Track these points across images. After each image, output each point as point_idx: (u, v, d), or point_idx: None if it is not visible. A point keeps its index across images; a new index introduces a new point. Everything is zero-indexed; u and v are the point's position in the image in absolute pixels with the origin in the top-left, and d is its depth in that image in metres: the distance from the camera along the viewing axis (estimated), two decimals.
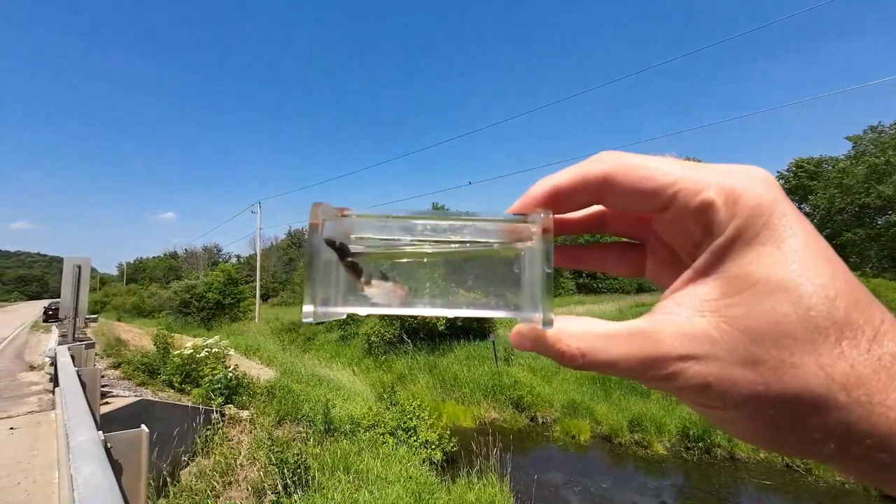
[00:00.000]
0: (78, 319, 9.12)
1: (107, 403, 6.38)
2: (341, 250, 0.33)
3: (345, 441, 8.21)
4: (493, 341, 15.52)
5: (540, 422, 12.25)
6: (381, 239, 0.34)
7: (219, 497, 5.89)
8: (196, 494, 5.78)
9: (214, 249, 70.18)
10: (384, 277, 0.33)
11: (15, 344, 14.74)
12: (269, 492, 6.11)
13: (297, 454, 6.91)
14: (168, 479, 5.83)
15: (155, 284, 61.30)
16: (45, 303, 37.75)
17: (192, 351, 10.54)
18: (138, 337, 19.33)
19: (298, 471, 6.49)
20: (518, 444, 10.17)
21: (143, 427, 2.90)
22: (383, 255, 0.34)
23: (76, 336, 8.86)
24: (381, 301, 0.34)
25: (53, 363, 6.62)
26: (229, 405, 9.05)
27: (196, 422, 7.25)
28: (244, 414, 8.86)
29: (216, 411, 8.11)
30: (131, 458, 2.76)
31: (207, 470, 6.42)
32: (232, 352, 11.80)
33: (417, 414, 9.80)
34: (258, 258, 38.88)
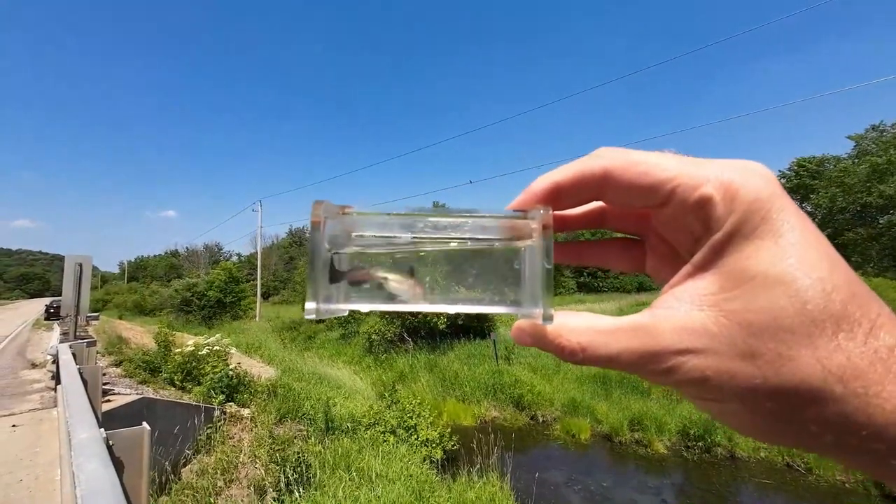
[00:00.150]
0: (79, 317, 9.15)
1: (108, 401, 6.39)
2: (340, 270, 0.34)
3: (346, 439, 8.23)
4: (494, 340, 15.52)
5: (540, 420, 12.26)
6: (383, 236, 0.34)
7: (220, 495, 5.90)
8: (197, 492, 5.79)
9: (215, 248, 70.27)
10: (392, 273, 0.34)
11: (17, 342, 14.76)
12: (270, 489, 6.13)
13: (298, 452, 6.92)
14: (170, 477, 5.85)
15: (156, 283, 61.53)
16: (47, 301, 37.79)
17: (193, 349, 10.55)
18: (139, 335, 19.37)
19: (300, 469, 6.51)
20: (518, 443, 10.19)
21: (145, 425, 2.91)
22: (385, 253, 0.35)
23: (78, 334, 8.89)
24: (386, 297, 0.34)
25: (55, 361, 6.65)
26: (230, 403, 9.07)
27: (197, 420, 7.27)
28: (245, 412, 8.88)
29: (217, 409, 8.13)
30: (133, 455, 2.77)
31: (209, 468, 6.44)
32: (233, 350, 11.81)
33: (418, 412, 9.82)
34: (259, 256, 38.91)
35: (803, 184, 35.57)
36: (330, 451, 7.39)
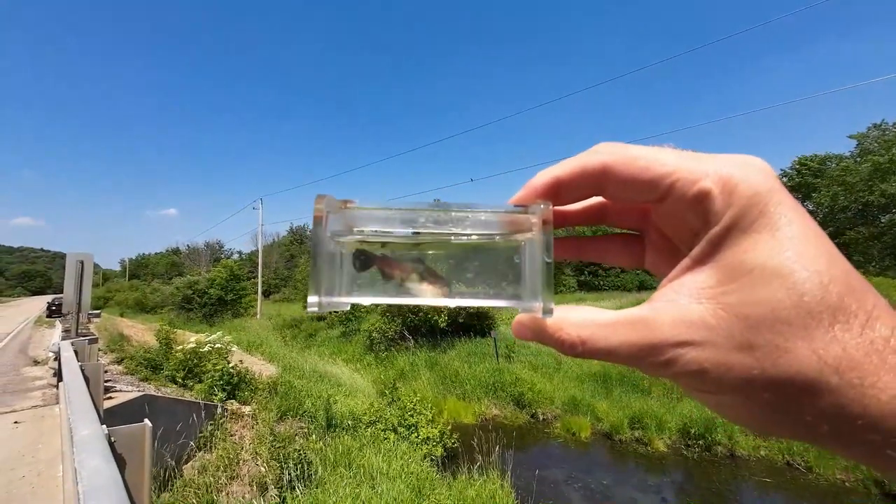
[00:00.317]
0: (81, 315, 9.16)
1: (110, 398, 6.41)
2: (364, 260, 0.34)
3: (346, 437, 8.25)
4: (495, 338, 15.53)
5: (541, 419, 12.27)
6: (384, 231, 0.34)
7: (222, 491, 5.92)
8: (199, 489, 5.81)
9: (217, 245, 70.40)
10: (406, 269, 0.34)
11: (19, 339, 14.80)
12: (271, 486, 6.15)
13: (300, 449, 6.94)
14: (171, 474, 5.87)
15: (157, 280, 61.56)
16: (49, 298, 37.86)
17: (194, 346, 10.58)
18: (141, 332, 19.39)
19: (301, 466, 6.53)
20: (519, 441, 10.20)
21: (147, 421, 2.91)
22: (387, 247, 0.35)
23: (79, 331, 8.90)
24: (387, 291, 0.34)
25: (57, 358, 6.66)
26: (232, 400, 9.09)
27: (199, 417, 7.28)
28: (246, 409, 8.89)
29: (219, 406, 8.15)
30: (135, 452, 2.77)
31: (210, 464, 6.46)
32: (234, 348, 11.83)
33: (418, 410, 9.83)
34: (260, 254, 38.99)
35: (805, 182, 35.49)
36: (331, 449, 7.41)
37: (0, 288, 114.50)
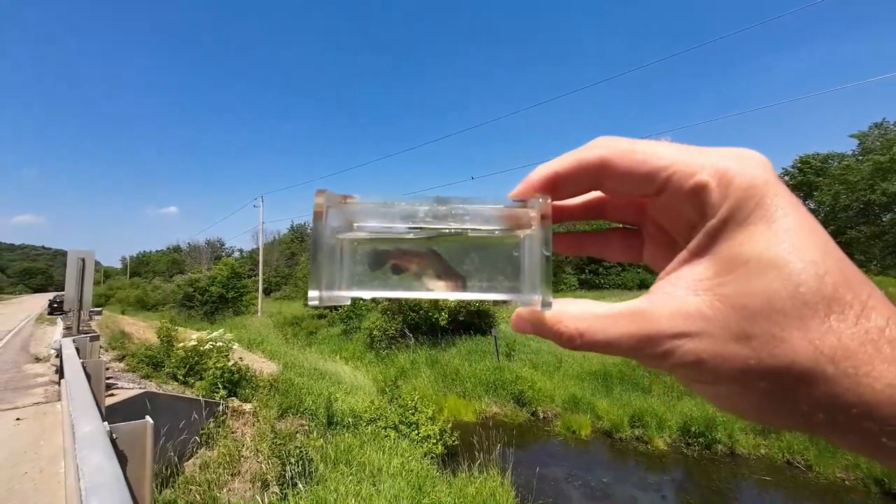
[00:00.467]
0: (82, 312, 9.19)
1: (111, 395, 6.43)
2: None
3: (347, 434, 8.27)
4: (495, 336, 15.55)
5: (541, 417, 12.30)
6: (384, 225, 0.34)
7: (223, 488, 5.95)
8: (200, 485, 5.83)
9: (217, 243, 70.44)
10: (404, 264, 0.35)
11: (21, 336, 14.84)
12: (272, 483, 6.17)
13: (300, 447, 6.96)
14: (173, 470, 5.89)
15: (158, 278, 61.67)
16: (50, 295, 37.95)
17: (195, 344, 10.59)
18: (142, 330, 19.42)
19: (301, 463, 6.55)
20: (519, 439, 10.22)
21: (148, 418, 2.92)
22: (387, 242, 0.35)
23: (81, 329, 8.93)
24: (388, 284, 0.34)
25: (59, 355, 6.68)
26: (233, 398, 9.10)
27: (200, 414, 7.30)
28: (247, 407, 8.91)
29: (220, 404, 8.17)
30: (136, 448, 2.78)
31: (212, 461, 6.48)
32: (236, 345, 11.84)
33: (419, 408, 9.85)
34: (261, 252, 39.01)
35: (807, 181, 35.45)
36: (331, 446, 7.43)
37: (2, 285, 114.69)
